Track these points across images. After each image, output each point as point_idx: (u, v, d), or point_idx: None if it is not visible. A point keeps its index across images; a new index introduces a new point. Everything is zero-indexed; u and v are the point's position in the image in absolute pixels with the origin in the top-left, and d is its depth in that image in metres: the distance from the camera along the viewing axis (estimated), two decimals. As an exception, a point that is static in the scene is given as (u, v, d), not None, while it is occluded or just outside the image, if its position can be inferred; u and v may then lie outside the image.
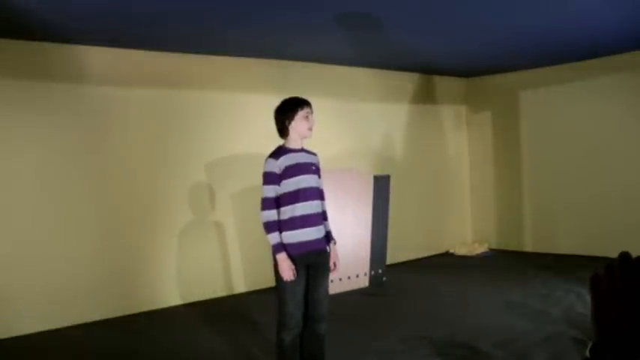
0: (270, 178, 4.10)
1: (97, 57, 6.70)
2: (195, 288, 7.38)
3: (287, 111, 4.18)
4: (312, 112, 4.22)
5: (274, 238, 4.05)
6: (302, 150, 4.24)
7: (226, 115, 7.65)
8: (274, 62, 7.96)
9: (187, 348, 5.57)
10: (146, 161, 7.06)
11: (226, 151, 7.64)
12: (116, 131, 6.86)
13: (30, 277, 6.24)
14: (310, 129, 4.20)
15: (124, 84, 6.90)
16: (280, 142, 4.27)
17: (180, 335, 5.99)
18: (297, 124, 4.15)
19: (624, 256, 1.00)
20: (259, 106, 7.86)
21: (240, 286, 7.79)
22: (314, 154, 4.33)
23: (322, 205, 4.30)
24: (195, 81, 7.42)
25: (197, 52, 7.26)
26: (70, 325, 6.37)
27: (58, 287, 6.40)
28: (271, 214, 4.08)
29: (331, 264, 4.29)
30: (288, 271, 4.01)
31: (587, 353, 1.00)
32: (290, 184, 4.09)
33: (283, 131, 4.20)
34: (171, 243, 7.23)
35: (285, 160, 4.10)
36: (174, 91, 7.26)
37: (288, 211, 4.10)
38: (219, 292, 7.59)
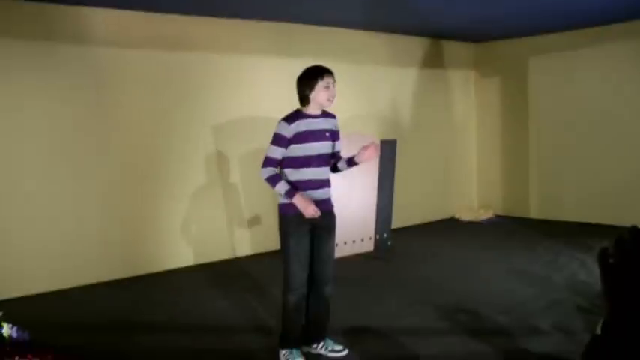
0: (278, 140, 4.11)
1: (103, 19, 6.65)
2: (201, 250, 7.44)
3: (308, 79, 4.15)
4: (334, 82, 4.17)
5: (283, 186, 4.08)
6: (321, 115, 4.23)
7: (232, 78, 7.61)
8: (280, 25, 7.89)
9: (194, 309, 5.63)
10: (153, 123, 7.05)
11: (232, 114, 7.63)
12: (122, 93, 6.84)
13: (38, 238, 6.30)
14: (330, 99, 4.17)
15: (129, 46, 6.85)
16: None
17: (187, 296, 6.06)
18: (317, 94, 4.13)
19: (635, 230, 1.00)
20: (265, 69, 7.84)
21: (247, 249, 7.85)
22: (332, 117, 4.32)
23: (342, 161, 4.33)
24: (201, 43, 7.37)
25: (203, 14, 7.20)
26: (78, 285, 6.45)
27: (66, 248, 6.46)
28: (272, 170, 4.11)
29: (369, 155, 4.23)
30: (309, 207, 4.04)
31: (599, 330, 1.01)
32: (299, 150, 4.10)
33: (303, 99, 4.19)
34: (178, 205, 7.27)
35: (297, 127, 4.10)
36: (181, 54, 7.22)
37: (295, 174, 4.14)
38: (226, 255, 7.65)
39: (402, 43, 9.38)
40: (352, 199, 7.51)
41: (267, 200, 7.70)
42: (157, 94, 7.07)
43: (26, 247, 6.22)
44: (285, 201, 4.13)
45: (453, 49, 10.22)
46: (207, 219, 7.51)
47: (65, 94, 6.44)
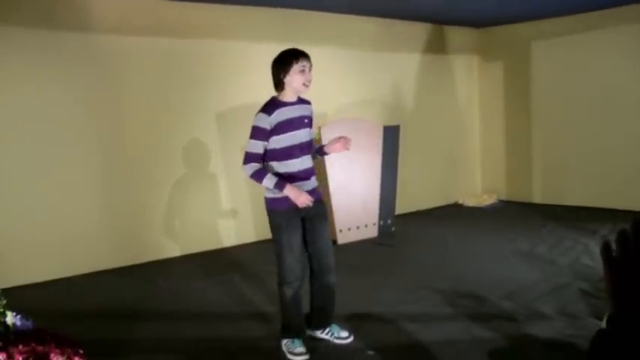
0: (259, 134, 3.98)
1: (106, 5, 6.64)
2: (203, 238, 7.45)
3: (282, 64, 4.01)
4: (309, 66, 4.02)
5: (270, 179, 3.94)
6: (297, 102, 4.10)
7: (232, 65, 7.59)
8: (283, 11, 7.86)
9: (197, 297, 5.65)
10: (155, 111, 7.04)
11: (235, 101, 7.61)
12: (124, 81, 6.83)
13: (40, 226, 6.31)
14: (306, 84, 4.02)
15: (131, 33, 6.83)
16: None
17: (188, 284, 6.08)
18: (292, 79, 3.99)
19: (637, 222, 0.98)
20: (266, 55, 7.77)
21: (251, 236, 7.85)
22: (308, 104, 4.19)
23: (313, 150, 4.25)
24: (203, 30, 7.35)
25: (207, 0, 7.16)
26: (81, 273, 6.48)
27: (69, 236, 6.47)
28: (256, 165, 3.98)
29: (339, 146, 4.20)
30: (303, 197, 3.94)
31: (604, 324, 1.00)
32: (282, 140, 3.99)
33: (278, 84, 4.06)
34: (179, 193, 7.27)
35: (277, 116, 3.98)
36: (182, 41, 7.19)
37: (281, 167, 4.04)
38: (230, 242, 7.66)
39: (404, 29, 9.33)
40: (355, 186, 7.51)
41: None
42: (158, 82, 7.05)
43: (28, 236, 6.23)
44: (272, 195, 4.04)
45: (455, 34, 10.17)
46: (211, 206, 7.51)
47: (66, 81, 6.43)
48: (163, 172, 7.13)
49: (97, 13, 6.61)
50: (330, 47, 8.13)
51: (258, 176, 3.97)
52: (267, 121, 3.97)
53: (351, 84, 8.41)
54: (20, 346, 2.31)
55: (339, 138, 4.22)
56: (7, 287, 5.76)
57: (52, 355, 2.33)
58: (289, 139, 4.02)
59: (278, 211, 4.06)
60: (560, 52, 9.42)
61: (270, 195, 4.07)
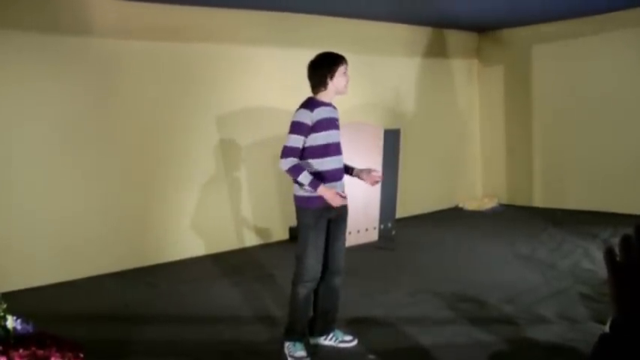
0: (299, 129, 4.03)
1: (107, 10, 6.65)
2: (207, 241, 7.44)
3: (329, 65, 4.12)
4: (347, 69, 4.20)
5: (306, 177, 3.97)
6: (331, 104, 4.21)
7: (237, 69, 7.60)
8: (283, 15, 7.86)
9: (201, 299, 5.65)
10: (157, 114, 7.05)
11: (237, 104, 7.61)
12: (126, 84, 6.84)
13: (45, 229, 6.31)
14: (346, 86, 4.19)
15: (133, 37, 6.85)
16: (308, 94, 4.23)
17: (194, 287, 6.07)
18: (337, 80, 4.12)
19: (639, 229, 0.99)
20: (271, 60, 7.82)
21: (252, 239, 7.85)
22: (336, 109, 4.29)
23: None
24: (205, 34, 7.35)
25: (208, 4, 7.17)
26: (84, 276, 6.46)
27: (72, 239, 6.47)
28: (294, 160, 4.01)
29: (372, 176, 4.30)
30: (336, 197, 3.99)
31: (607, 329, 1.00)
32: (320, 138, 4.06)
33: (320, 85, 4.13)
34: (183, 196, 7.27)
35: (319, 113, 4.06)
36: (184, 44, 7.20)
37: (316, 165, 4.08)
38: (231, 245, 7.65)
39: (404, 33, 9.34)
40: (356, 189, 7.48)
41: (272, 190, 7.70)
42: (160, 85, 7.06)
43: (31, 238, 6.23)
44: (305, 193, 4.07)
45: (456, 38, 10.18)
46: (212, 209, 7.51)
47: (67, 85, 6.43)
48: (164, 175, 7.12)
49: (96, 17, 6.61)
50: (331, 51, 8.12)
51: (295, 171, 4.00)
52: (310, 117, 4.04)
53: (351, 88, 8.37)
54: (21, 350, 2.32)
55: (371, 170, 4.33)
56: (7, 291, 5.76)
57: (53, 358, 2.33)
58: (326, 138, 4.09)
59: (310, 209, 4.10)
60: (561, 56, 9.43)
61: (303, 193, 4.10)
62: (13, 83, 6.12)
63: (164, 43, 7.07)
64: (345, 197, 4.09)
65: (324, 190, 3.98)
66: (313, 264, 4.12)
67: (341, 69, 4.12)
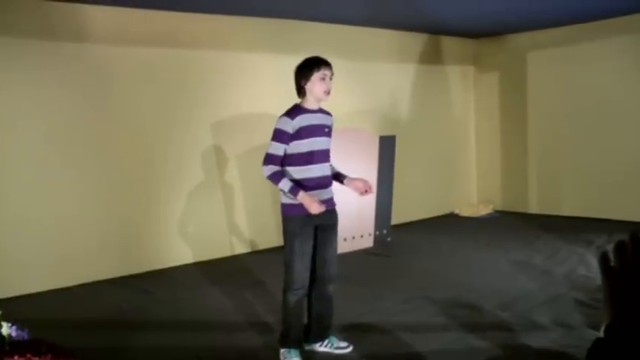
0: (281, 136, 4.03)
1: (102, 16, 6.65)
2: (200, 248, 7.44)
3: (303, 70, 4.08)
4: (330, 75, 4.08)
5: (286, 183, 3.97)
6: (319, 110, 4.17)
7: (231, 75, 7.61)
8: (279, 21, 7.88)
9: (195, 306, 5.64)
10: (152, 121, 7.05)
11: (232, 110, 7.62)
12: (121, 91, 6.84)
13: (39, 236, 6.29)
14: (326, 92, 4.07)
15: (128, 43, 6.85)
16: (296, 100, 4.21)
17: (187, 294, 6.06)
18: (313, 86, 4.05)
19: (634, 235, 0.99)
20: (265, 66, 7.83)
21: (245, 246, 7.84)
22: (329, 115, 4.25)
23: (332, 168, 4.30)
24: (200, 40, 7.36)
25: (202, 11, 7.19)
26: (79, 283, 6.45)
27: (66, 246, 6.46)
28: (274, 168, 4.02)
29: (361, 185, 4.24)
30: (315, 204, 3.96)
31: (602, 334, 1.00)
32: (303, 145, 4.04)
33: (300, 91, 4.13)
34: (176, 203, 7.27)
35: (300, 121, 4.03)
36: (179, 51, 7.21)
37: (301, 172, 4.07)
38: (224, 252, 7.65)
39: (401, 39, 9.37)
40: (351, 196, 7.46)
41: (265, 197, 7.70)
42: (155, 92, 7.06)
43: (25, 245, 6.22)
44: (289, 201, 4.07)
45: (451, 44, 10.21)
46: (205, 216, 7.50)
47: (63, 91, 6.43)
48: (161, 182, 7.12)
49: (91, 23, 6.61)
50: (326, 57, 8.12)
51: (275, 178, 4.01)
52: (290, 125, 4.02)
53: (347, 94, 8.42)
54: (16, 357, 2.30)
55: (364, 183, 4.27)
56: (2, 298, 5.76)
57: (48, 365, 2.32)
58: (310, 145, 4.06)
59: (293, 217, 4.09)
60: (556, 63, 9.46)
61: (287, 201, 4.10)
62: (9, 89, 6.12)
63: (159, 50, 7.08)
64: (326, 204, 4.06)
65: (303, 197, 3.96)
66: (301, 271, 4.10)
67: (317, 74, 4.03)
